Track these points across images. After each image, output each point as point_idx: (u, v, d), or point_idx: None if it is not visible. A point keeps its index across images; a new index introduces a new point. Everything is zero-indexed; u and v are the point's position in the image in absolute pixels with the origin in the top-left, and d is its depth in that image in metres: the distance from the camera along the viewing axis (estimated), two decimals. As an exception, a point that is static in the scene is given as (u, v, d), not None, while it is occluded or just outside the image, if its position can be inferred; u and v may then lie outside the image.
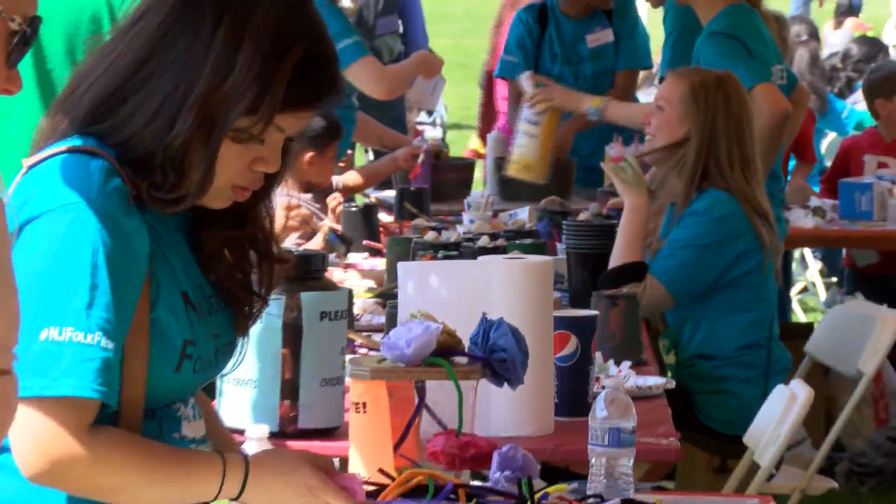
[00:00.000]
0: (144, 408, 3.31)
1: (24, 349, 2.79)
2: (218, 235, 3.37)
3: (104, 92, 3.32)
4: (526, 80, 8.44)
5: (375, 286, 6.70)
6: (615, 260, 6.33)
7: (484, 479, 4.16)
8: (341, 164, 8.24)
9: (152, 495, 3.21)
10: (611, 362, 5.32)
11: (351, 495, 3.33)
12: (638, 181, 6.71)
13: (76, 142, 3.31)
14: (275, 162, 3.28)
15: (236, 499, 3.20)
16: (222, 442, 3.59)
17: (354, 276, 6.95)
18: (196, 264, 3.38)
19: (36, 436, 2.79)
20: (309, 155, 7.95)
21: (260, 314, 3.56)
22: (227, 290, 3.41)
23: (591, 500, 4.17)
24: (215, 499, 3.20)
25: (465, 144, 14.30)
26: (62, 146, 3.34)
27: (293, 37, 3.23)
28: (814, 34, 15.13)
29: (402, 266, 5.17)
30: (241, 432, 4.02)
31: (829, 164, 11.47)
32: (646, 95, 11.94)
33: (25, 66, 4.90)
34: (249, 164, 3.24)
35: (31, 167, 3.39)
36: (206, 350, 3.37)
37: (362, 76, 8.15)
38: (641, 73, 11.02)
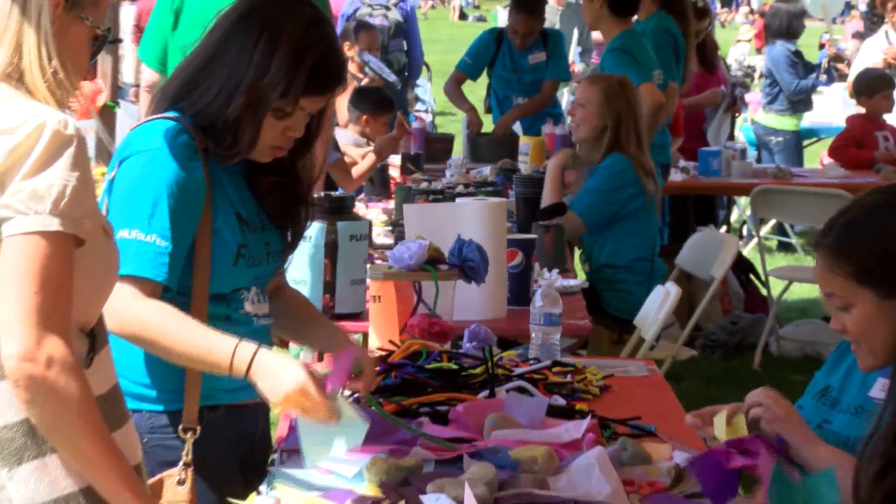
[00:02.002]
0: (215, 293, 3.33)
1: None
2: (264, 180, 3.41)
3: (185, 80, 3.38)
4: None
5: (387, 219, 6.69)
6: (544, 202, 6.31)
7: (459, 348, 4.18)
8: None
9: (177, 356, 3.17)
10: (545, 270, 5.32)
11: (335, 373, 3.27)
12: (575, 161, 6.74)
13: (169, 113, 3.35)
14: (300, 130, 3.33)
15: (245, 376, 3.12)
16: (306, 318, 3.59)
17: (373, 211, 6.95)
18: (252, 196, 3.42)
19: (112, 300, 2.73)
20: (364, 117, 7.96)
21: (299, 236, 3.59)
22: (272, 215, 3.44)
23: (531, 360, 4.18)
24: (229, 371, 3.13)
25: (447, 126, 14.33)
26: (156, 115, 3.40)
27: (311, 45, 3.27)
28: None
29: (406, 207, 5.21)
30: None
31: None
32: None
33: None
34: (282, 131, 3.29)
35: (133, 128, 3.46)
36: (257, 252, 3.40)
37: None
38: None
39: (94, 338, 2.59)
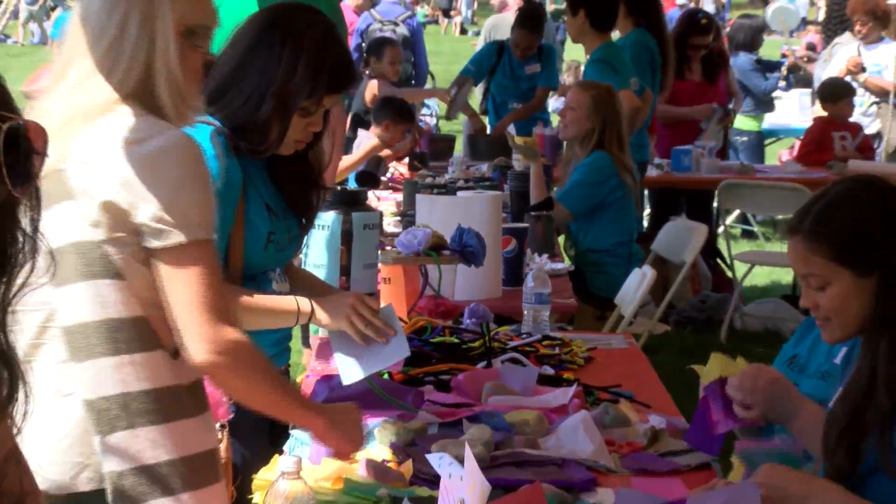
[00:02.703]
0: (247, 274, 3.35)
1: None
2: (286, 170, 3.41)
3: (214, 87, 3.33)
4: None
5: (396, 209, 6.68)
6: (533, 198, 6.31)
7: (460, 324, 4.17)
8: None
9: (250, 320, 3.15)
10: (535, 255, 5.31)
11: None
12: (533, 154, 6.75)
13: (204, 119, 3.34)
14: (320, 125, 3.34)
15: (311, 314, 3.23)
16: (320, 287, 3.58)
17: (385, 203, 6.94)
18: (274, 186, 3.41)
19: None
20: (386, 122, 7.95)
21: (312, 221, 3.62)
22: (292, 202, 3.44)
23: (523, 335, 4.18)
24: (297, 315, 3.25)
25: (449, 128, 14.29)
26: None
27: (330, 48, 3.28)
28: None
29: (419, 197, 5.22)
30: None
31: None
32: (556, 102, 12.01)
33: None
34: (305, 127, 3.29)
35: None
36: (282, 238, 3.40)
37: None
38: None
39: None
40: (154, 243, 2.48)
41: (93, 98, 2.53)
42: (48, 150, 1.18)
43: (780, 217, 10.43)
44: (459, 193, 5.35)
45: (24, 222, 1.21)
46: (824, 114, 9.94)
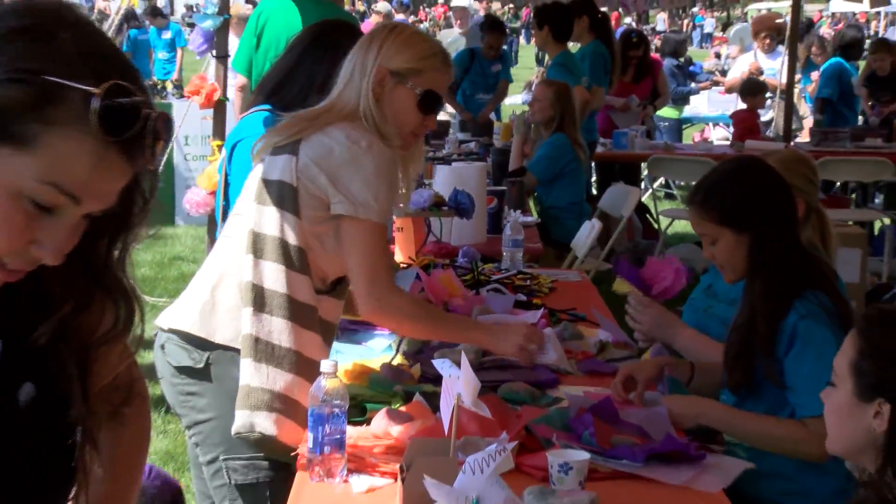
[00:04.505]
0: None
1: None
2: None
3: (274, 84, 3.33)
4: None
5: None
6: (511, 167, 6.30)
7: (455, 262, 4.16)
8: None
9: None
10: (511, 211, 5.27)
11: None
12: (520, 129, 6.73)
13: (263, 106, 3.30)
14: None
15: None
16: None
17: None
18: None
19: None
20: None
21: None
22: None
23: (503, 270, 4.16)
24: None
25: (443, 116, 14.10)
26: (255, 108, 3.34)
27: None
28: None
29: (437, 167, 5.14)
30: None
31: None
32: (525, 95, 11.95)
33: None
34: None
35: (241, 118, 3.43)
36: None
37: None
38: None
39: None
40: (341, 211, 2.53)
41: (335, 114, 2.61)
42: (170, 137, 1.18)
43: (693, 183, 10.37)
44: (454, 164, 5.31)
45: (146, 190, 1.21)
46: (744, 106, 9.99)
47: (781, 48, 10.53)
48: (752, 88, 9.95)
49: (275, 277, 2.52)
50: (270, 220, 2.54)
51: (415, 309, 2.67)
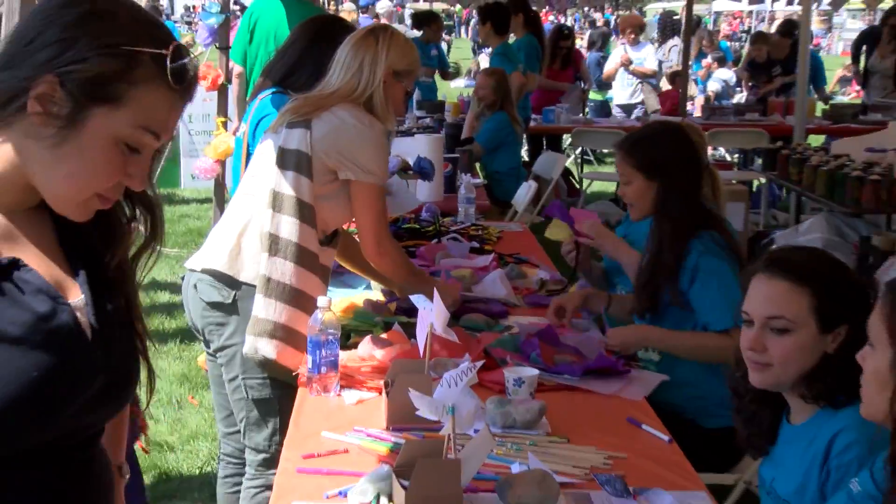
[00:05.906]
0: None
1: None
2: None
3: (285, 70, 3.25)
4: None
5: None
6: (464, 135, 6.25)
7: (420, 217, 4.12)
8: None
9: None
10: (463, 174, 5.23)
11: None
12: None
13: (273, 89, 3.23)
14: None
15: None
16: None
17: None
18: None
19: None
20: None
21: None
22: None
23: (459, 222, 4.13)
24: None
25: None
26: (267, 91, 3.26)
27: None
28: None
29: (397, 139, 4.95)
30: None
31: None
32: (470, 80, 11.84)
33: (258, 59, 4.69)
34: None
35: (262, 99, 3.33)
36: None
37: None
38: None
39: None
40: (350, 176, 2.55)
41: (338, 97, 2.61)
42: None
43: (606, 150, 10.42)
44: (416, 135, 5.26)
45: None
46: (669, 87, 10.27)
47: (645, 41, 10.67)
48: (672, 77, 10.31)
49: (290, 229, 2.53)
50: (288, 182, 2.55)
51: (404, 259, 2.76)
